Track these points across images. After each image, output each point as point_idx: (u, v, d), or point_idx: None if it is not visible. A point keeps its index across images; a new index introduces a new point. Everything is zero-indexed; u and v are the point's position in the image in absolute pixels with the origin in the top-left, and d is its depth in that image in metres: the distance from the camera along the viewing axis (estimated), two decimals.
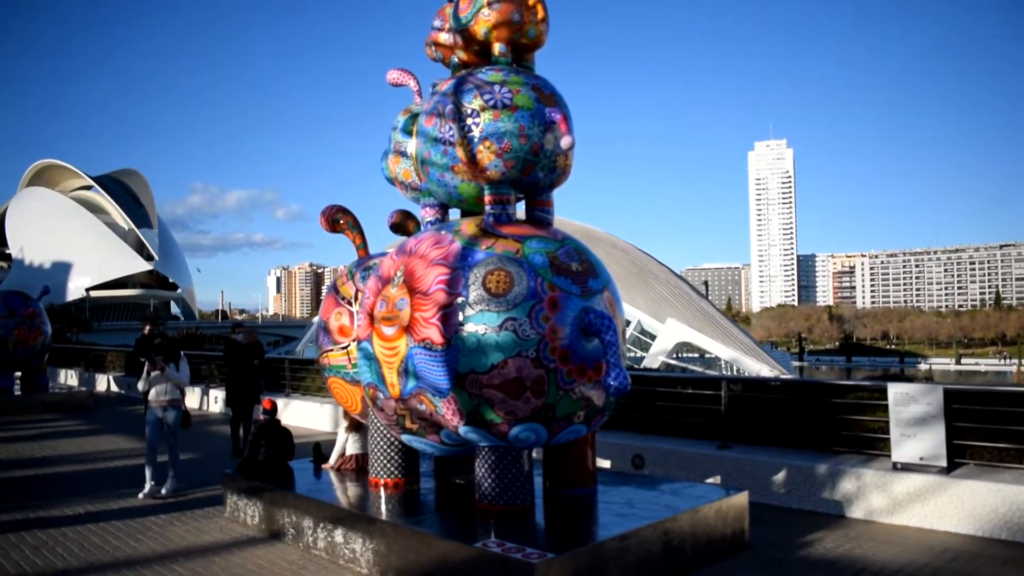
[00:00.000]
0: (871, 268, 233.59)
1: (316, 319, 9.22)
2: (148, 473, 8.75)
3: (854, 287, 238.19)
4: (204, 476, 9.58)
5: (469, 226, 6.00)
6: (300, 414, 14.38)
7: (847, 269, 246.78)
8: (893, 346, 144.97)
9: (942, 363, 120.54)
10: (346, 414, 7.77)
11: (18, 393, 18.23)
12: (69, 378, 24.97)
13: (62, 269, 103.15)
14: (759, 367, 43.45)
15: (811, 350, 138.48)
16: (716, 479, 8.15)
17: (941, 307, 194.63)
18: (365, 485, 7.06)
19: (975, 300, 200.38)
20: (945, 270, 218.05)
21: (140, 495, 8.64)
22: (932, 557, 5.99)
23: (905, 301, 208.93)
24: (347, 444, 7.82)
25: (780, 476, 7.76)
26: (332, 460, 7.86)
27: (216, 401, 16.95)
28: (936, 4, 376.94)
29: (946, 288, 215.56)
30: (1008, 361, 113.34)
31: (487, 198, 6.08)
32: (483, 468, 5.85)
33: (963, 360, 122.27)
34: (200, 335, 34.25)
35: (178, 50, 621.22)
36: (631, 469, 8.81)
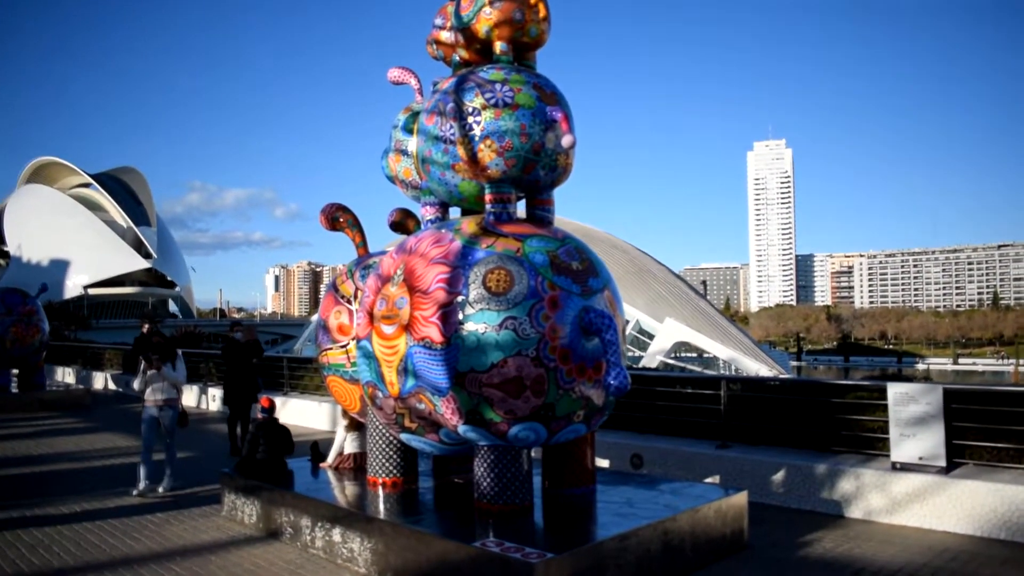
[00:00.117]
0: (869, 268, 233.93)
1: (315, 317, 9.20)
2: (142, 472, 8.73)
3: (852, 287, 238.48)
4: (202, 474, 9.56)
5: (470, 225, 5.99)
6: (298, 413, 14.37)
7: (845, 269, 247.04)
8: (891, 346, 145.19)
9: (940, 363, 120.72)
10: (345, 413, 7.76)
11: (15, 391, 18.21)
12: (66, 376, 24.95)
13: (60, 267, 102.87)
14: (757, 367, 43.53)
15: (809, 350, 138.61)
16: (715, 479, 8.15)
17: (939, 307, 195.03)
18: (363, 484, 7.05)
19: (973, 300, 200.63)
20: (943, 270, 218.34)
21: (133, 492, 8.62)
22: (931, 557, 5.98)
23: (903, 301, 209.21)
24: (345, 443, 7.81)
25: (779, 476, 7.76)
26: (330, 459, 7.84)
27: (214, 399, 16.93)
28: (934, 5, 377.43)
29: (944, 288, 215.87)
30: (1006, 361, 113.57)
31: (488, 197, 6.07)
32: (482, 467, 5.84)
33: (960, 360, 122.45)
34: (198, 333, 34.19)
35: (177, 49, 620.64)
36: (630, 468, 8.81)
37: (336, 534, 6.21)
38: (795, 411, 8.46)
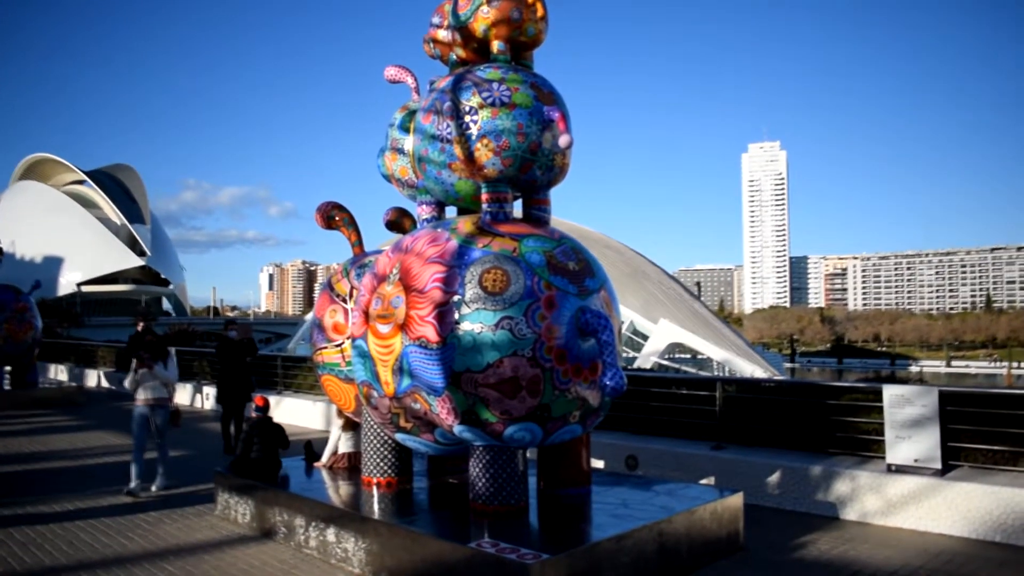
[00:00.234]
0: (863, 270, 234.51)
1: (310, 316, 9.15)
2: (134, 470, 8.68)
3: (846, 289, 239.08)
4: (195, 473, 9.51)
5: (466, 224, 5.96)
6: (292, 412, 14.32)
7: (839, 271, 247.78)
8: (884, 348, 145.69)
9: (933, 365, 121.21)
10: (340, 412, 7.73)
11: (8, 388, 18.09)
12: (59, 373, 24.80)
13: (53, 263, 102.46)
14: (751, 368, 43.54)
15: (803, 352, 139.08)
16: (710, 480, 8.14)
17: (932, 310, 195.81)
18: (358, 484, 7.02)
19: (966, 303, 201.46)
20: (936, 273, 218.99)
21: (124, 491, 8.57)
22: (927, 559, 5.99)
23: (896, 303, 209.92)
24: (340, 442, 7.77)
25: (775, 477, 7.76)
26: (324, 458, 7.81)
27: (208, 398, 16.87)
28: (929, 6, 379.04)
29: (937, 291, 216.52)
30: (998, 364, 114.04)
31: (484, 196, 6.05)
32: (477, 467, 5.81)
33: (954, 363, 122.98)
34: (192, 331, 34.12)
35: (173, 47, 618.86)
36: (625, 470, 8.79)
37: (330, 534, 6.18)
38: (790, 413, 8.45)
